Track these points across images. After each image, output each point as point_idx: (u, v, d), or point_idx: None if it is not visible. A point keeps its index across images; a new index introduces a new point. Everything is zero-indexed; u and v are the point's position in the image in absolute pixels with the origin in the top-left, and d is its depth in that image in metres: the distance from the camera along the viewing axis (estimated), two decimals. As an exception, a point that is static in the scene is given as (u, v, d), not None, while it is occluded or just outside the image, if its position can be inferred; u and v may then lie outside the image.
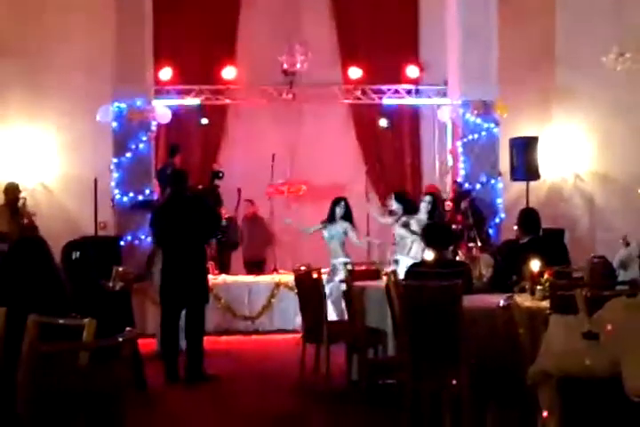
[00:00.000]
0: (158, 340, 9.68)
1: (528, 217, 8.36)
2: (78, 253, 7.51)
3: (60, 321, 4.75)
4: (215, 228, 9.91)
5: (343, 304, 9.51)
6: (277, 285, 12.47)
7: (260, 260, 14.10)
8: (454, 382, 6.26)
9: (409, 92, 14.57)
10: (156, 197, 13.09)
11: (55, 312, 5.17)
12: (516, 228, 8.42)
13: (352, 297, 8.28)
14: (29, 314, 4.78)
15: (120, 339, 4.26)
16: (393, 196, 11.73)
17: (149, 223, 10.10)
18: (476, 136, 13.73)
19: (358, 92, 14.52)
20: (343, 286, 9.27)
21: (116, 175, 13.27)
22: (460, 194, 13.15)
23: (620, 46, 12.87)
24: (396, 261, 10.60)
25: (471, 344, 6.29)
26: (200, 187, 11.54)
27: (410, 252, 10.92)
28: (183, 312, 9.29)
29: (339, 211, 11.25)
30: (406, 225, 11.12)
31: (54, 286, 5.67)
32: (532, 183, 13.43)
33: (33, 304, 5.25)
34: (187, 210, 9.28)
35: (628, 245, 9.81)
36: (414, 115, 15.21)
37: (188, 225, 9.16)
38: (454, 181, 13.63)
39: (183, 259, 9.20)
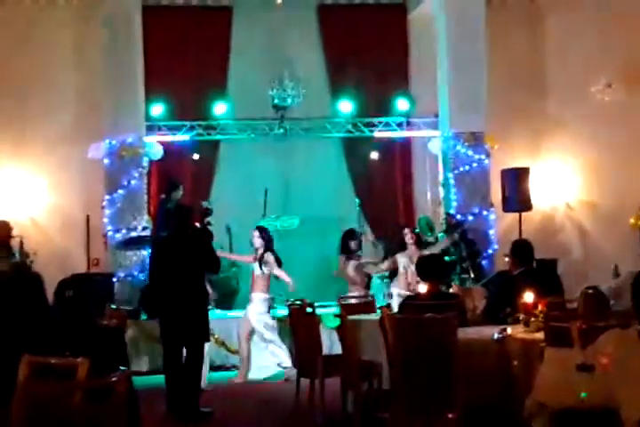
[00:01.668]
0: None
1: (520, 249, 8.37)
2: (72, 291, 7.51)
3: (53, 361, 4.73)
4: (215, 265, 9.72)
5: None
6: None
7: (231, 291, 14.01)
8: (448, 415, 6.24)
9: (400, 124, 14.61)
10: (149, 233, 13.00)
11: (46, 350, 5.16)
12: (507, 259, 8.41)
13: (345, 331, 8.25)
14: (21, 352, 4.76)
15: (114, 378, 4.24)
16: (256, 231, 11.39)
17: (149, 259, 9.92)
18: (467, 167, 13.77)
19: (349, 126, 14.54)
20: None
21: (108, 212, 13.24)
22: (453, 225, 13.15)
23: (609, 78, 12.97)
24: (390, 295, 10.58)
25: (465, 377, 6.28)
26: (197, 225, 11.46)
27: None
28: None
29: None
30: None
31: (46, 323, 5.67)
32: (524, 213, 13.47)
33: (24, 342, 5.25)
34: (187, 247, 9.22)
35: (618, 275, 9.78)
36: (405, 147, 15.22)
37: (188, 262, 9.11)
38: (447, 213, 13.63)
39: (183, 296, 9.07)
